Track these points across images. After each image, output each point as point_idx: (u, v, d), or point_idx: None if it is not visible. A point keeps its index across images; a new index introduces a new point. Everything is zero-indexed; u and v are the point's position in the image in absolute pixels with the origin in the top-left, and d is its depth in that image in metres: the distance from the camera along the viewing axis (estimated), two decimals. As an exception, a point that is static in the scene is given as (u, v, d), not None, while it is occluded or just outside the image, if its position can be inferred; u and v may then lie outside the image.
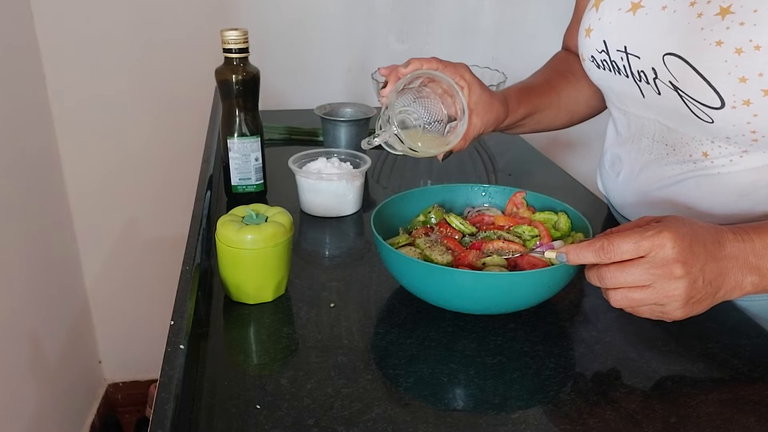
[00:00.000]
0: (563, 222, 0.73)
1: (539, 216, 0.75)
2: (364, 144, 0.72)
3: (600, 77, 0.78)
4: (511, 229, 0.73)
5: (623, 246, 0.54)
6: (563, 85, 0.89)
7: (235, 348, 0.64)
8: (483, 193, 0.80)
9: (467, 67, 0.76)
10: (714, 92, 0.62)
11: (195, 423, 0.53)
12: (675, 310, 0.55)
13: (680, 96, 0.66)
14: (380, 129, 0.71)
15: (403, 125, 0.71)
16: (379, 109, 1.15)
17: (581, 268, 0.62)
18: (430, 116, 0.72)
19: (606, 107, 0.87)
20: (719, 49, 0.60)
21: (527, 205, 0.77)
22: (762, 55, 0.58)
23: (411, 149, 0.71)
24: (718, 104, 0.62)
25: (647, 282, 0.54)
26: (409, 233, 0.75)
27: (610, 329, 0.67)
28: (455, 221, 0.74)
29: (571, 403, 0.56)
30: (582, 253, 0.56)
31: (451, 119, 0.74)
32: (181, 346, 0.54)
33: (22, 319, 1.34)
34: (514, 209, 0.77)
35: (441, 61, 0.75)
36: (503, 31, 1.57)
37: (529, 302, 0.65)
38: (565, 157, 1.71)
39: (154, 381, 1.72)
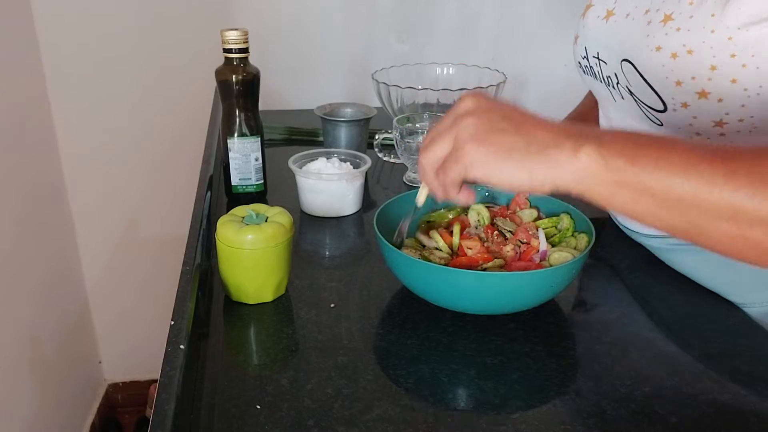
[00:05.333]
0: (566, 221, 0.73)
1: (542, 222, 0.74)
2: None
3: (587, 82, 0.80)
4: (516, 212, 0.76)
5: (436, 126, 0.53)
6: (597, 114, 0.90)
7: (235, 348, 0.64)
8: (486, 194, 0.80)
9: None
10: (657, 96, 0.64)
11: (195, 423, 0.53)
12: (469, 142, 0.49)
13: (635, 101, 0.68)
14: None
15: None
16: (379, 108, 1.15)
17: (582, 270, 0.63)
18: None
19: None
20: (658, 54, 0.62)
21: (530, 205, 0.77)
22: (694, 59, 0.59)
23: None
24: (662, 107, 0.64)
25: (448, 127, 0.52)
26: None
27: (610, 329, 0.67)
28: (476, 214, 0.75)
29: (572, 403, 0.56)
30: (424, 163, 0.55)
31: None
32: (181, 346, 0.54)
33: (23, 319, 1.34)
34: (517, 209, 0.77)
35: None
36: (503, 31, 1.57)
37: (531, 303, 0.65)
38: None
39: (154, 381, 1.72)
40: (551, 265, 0.66)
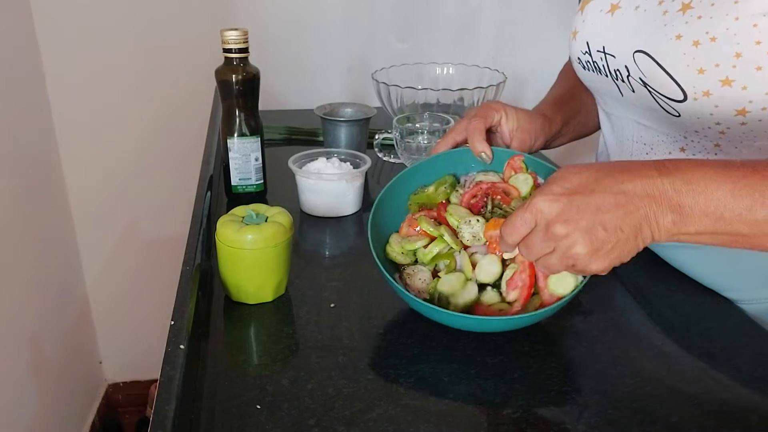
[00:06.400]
0: None
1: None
2: None
3: (586, 78, 0.80)
4: (509, 180, 0.72)
5: (512, 231, 0.56)
6: (584, 90, 0.90)
7: (235, 348, 0.64)
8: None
9: (495, 101, 0.80)
10: (676, 85, 0.63)
11: (195, 423, 0.53)
12: (590, 264, 0.54)
13: (649, 92, 0.67)
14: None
15: None
16: (379, 108, 1.15)
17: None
18: None
19: None
20: (678, 43, 0.62)
21: (527, 170, 0.74)
22: (717, 47, 0.59)
23: None
24: (681, 97, 0.64)
25: (549, 248, 0.55)
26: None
27: (610, 329, 0.67)
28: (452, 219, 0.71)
29: (572, 403, 0.56)
30: (503, 246, 0.60)
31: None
32: (182, 346, 0.54)
33: (23, 319, 1.34)
34: (512, 173, 0.74)
35: (470, 118, 0.77)
36: (503, 31, 1.57)
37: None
38: (565, 155, 1.71)
39: (155, 381, 1.72)
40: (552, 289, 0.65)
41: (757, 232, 0.52)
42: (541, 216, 0.54)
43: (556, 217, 0.53)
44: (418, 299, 0.63)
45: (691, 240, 0.54)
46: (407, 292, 0.64)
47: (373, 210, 0.70)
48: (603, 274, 0.56)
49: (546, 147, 0.86)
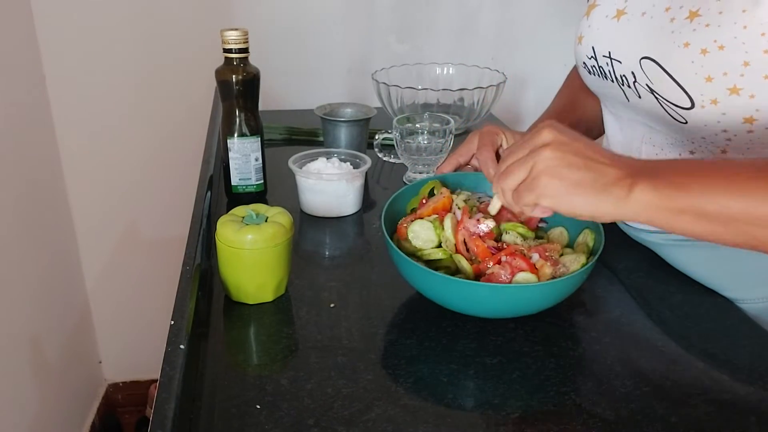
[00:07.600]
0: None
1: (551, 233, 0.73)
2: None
3: (592, 83, 0.80)
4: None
5: (513, 153, 0.59)
6: (585, 98, 0.90)
7: (235, 348, 0.64)
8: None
9: (493, 124, 0.80)
10: (684, 93, 0.63)
11: (195, 423, 0.53)
12: (541, 166, 0.55)
13: (656, 98, 0.67)
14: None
15: None
16: (379, 108, 1.15)
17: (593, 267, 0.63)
18: None
19: None
20: (686, 51, 0.62)
21: None
22: (726, 55, 0.59)
23: None
24: (689, 104, 0.64)
25: (525, 156, 0.57)
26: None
27: (610, 329, 0.67)
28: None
29: (571, 404, 0.56)
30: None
31: None
32: (181, 346, 0.54)
33: (23, 319, 1.34)
34: None
35: (478, 147, 0.78)
36: (503, 31, 1.57)
37: (544, 306, 0.66)
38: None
39: (155, 381, 1.72)
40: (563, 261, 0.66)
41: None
42: (536, 133, 0.57)
43: (549, 129, 0.57)
44: (433, 271, 0.63)
45: (664, 221, 0.54)
46: (418, 263, 0.64)
47: (382, 218, 0.71)
48: (548, 204, 0.56)
49: None
